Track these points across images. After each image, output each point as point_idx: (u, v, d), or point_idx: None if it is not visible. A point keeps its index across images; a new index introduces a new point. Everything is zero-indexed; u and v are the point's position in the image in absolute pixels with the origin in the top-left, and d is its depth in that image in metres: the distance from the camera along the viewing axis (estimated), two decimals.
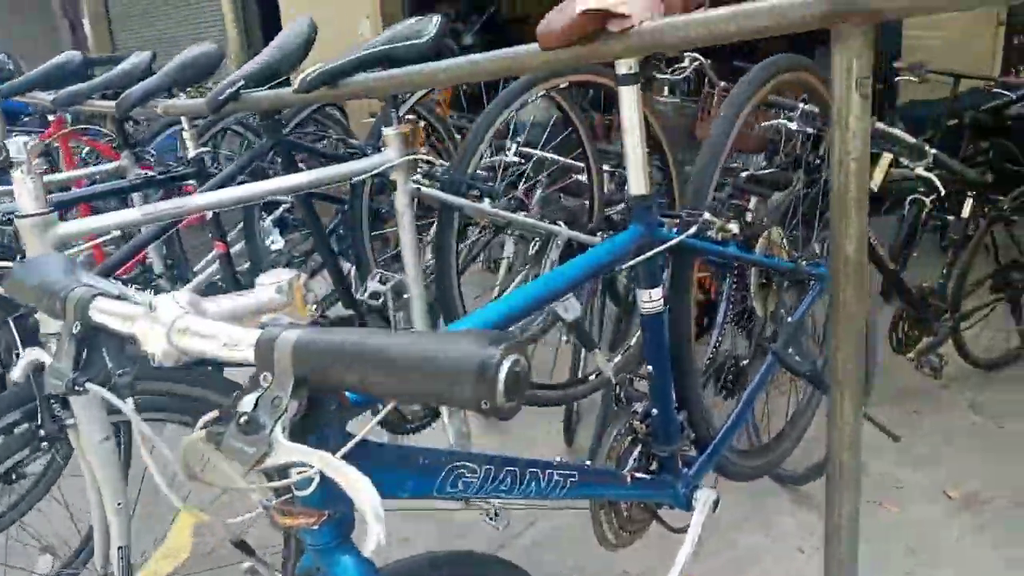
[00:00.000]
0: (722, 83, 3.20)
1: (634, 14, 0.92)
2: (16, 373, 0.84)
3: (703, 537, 1.34)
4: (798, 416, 1.84)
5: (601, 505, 1.34)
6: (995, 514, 1.98)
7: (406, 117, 1.56)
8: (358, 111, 4.32)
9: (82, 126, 3.06)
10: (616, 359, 2.25)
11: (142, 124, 2.81)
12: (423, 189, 1.59)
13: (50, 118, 2.67)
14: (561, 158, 2.50)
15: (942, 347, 2.54)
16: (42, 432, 1.32)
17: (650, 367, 1.29)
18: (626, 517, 1.39)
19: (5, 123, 2.69)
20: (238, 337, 0.60)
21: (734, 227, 1.25)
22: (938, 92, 3.72)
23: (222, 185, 1.73)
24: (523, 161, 2.48)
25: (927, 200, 2.40)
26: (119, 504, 1.32)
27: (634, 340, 2.31)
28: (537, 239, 2.28)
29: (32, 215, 1.22)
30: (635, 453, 1.36)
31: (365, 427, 0.67)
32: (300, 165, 2.52)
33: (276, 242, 2.51)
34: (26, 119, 3.45)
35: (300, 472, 0.59)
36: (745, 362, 1.70)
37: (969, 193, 2.51)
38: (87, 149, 3.18)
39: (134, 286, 2.01)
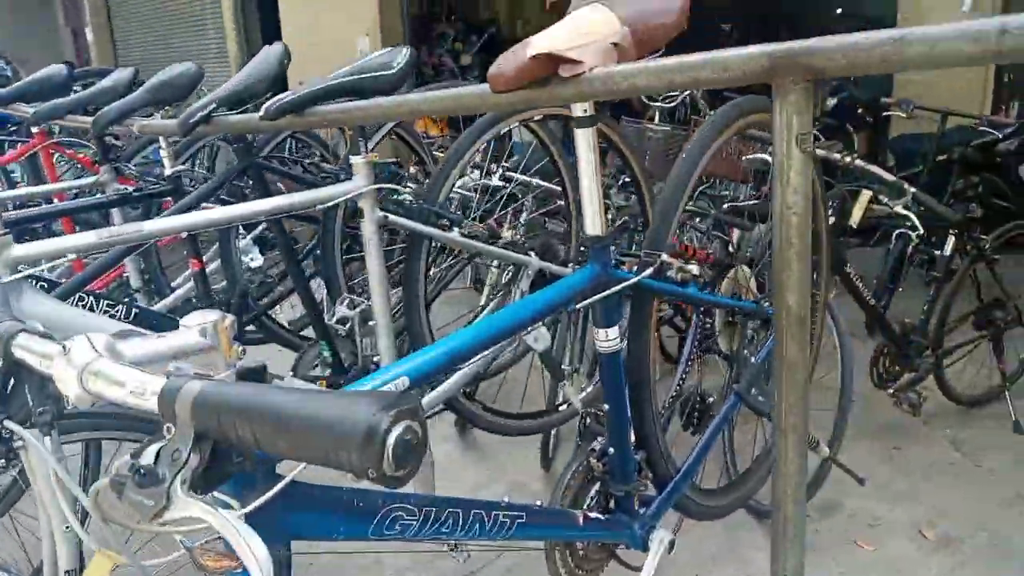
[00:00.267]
0: (712, 112, 3.20)
1: (585, 60, 0.92)
2: None
3: (674, 574, 1.32)
4: (764, 454, 1.83)
5: (555, 544, 1.32)
6: (973, 552, 1.96)
7: (377, 145, 1.56)
8: None
9: (67, 139, 3.07)
10: (589, 389, 2.23)
11: (123, 139, 2.81)
12: (390, 217, 1.59)
13: (34, 129, 2.68)
14: (543, 183, 2.50)
15: (923, 383, 2.54)
16: None
17: (606, 405, 1.28)
18: (582, 556, 1.38)
19: None
20: (145, 385, 0.59)
21: (694, 268, 1.24)
22: (927, 127, 3.73)
23: (193, 205, 1.73)
24: (507, 184, 2.49)
25: (913, 235, 2.40)
26: (66, 528, 1.31)
27: None
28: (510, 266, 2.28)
29: None
30: (591, 491, 1.35)
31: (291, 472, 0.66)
32: (279, 185, 2.53)
33: (255, 259, 2.49)
34: (13, 128, 3.46)
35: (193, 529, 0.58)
36: (712, 398, 1.68)
37: (951, 231, 2.51)
38: (70, 162, 3.19)
39: (106, 302, 2.02)
